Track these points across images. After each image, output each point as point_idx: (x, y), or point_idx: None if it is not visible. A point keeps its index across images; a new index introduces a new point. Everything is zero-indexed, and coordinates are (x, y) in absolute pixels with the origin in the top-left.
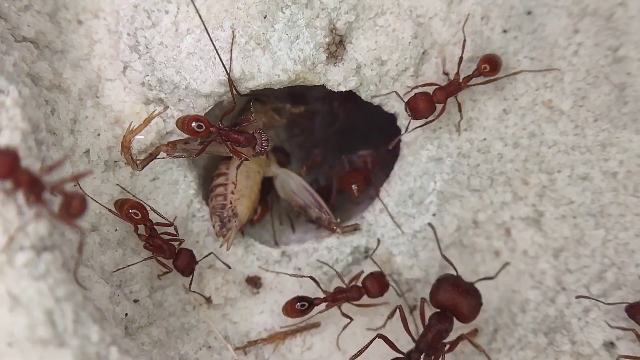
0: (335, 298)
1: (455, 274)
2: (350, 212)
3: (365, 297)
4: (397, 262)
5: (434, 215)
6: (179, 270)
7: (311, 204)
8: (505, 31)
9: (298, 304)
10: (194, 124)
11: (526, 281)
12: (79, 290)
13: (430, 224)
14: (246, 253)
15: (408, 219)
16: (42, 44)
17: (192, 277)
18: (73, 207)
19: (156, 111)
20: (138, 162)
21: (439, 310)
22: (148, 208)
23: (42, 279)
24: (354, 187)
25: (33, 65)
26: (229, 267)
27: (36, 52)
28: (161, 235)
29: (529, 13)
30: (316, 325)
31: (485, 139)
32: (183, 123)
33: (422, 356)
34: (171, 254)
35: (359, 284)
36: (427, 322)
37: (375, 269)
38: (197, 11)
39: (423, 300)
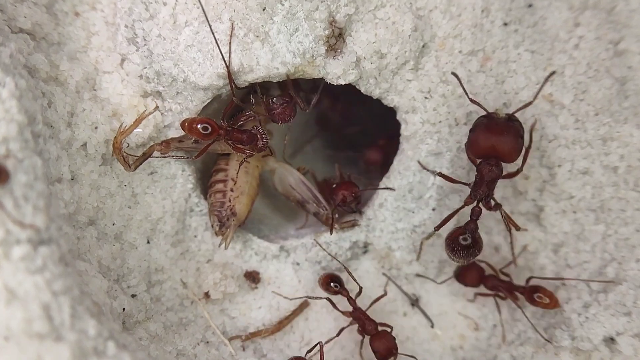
0: (357, 314)
1: (486, 114)
2: None
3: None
4: (396, 257)
5: (433, 209)
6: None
7: (309, 198)
8: (505, 24)
9: (332, 283)
10: (200, 126)
11: (526, 277)
12: (76, 285)
13: (453, 73)
14: (244, 248)
15: (407, 214)
16: (38, 35)
17: None
18: None
19: (146, 111)
20: (131, 162)
21: (482, 158)
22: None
23: (38, 272)
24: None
25: (29, 57)
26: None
27: (33, 44)
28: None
29: (529, 6)
30: (305, 304)
31: None
32: (190, 125)
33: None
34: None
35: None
36: (476, 171)
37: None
38: (199, 0)
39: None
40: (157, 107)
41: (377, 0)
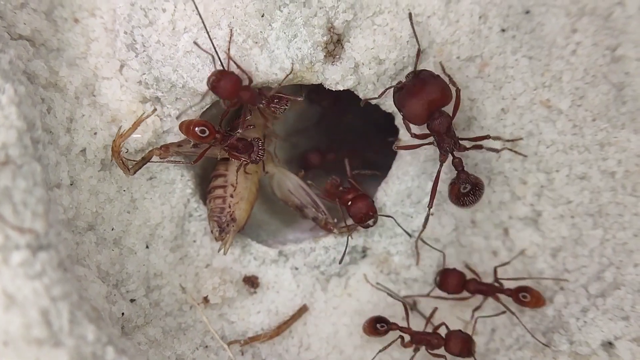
0: (420, 337)
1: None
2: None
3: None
4: (395, 261)
5: (432, 214)
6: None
7: (308, 203)
8: (503, 30)
9: (377, 324)
10: (198, 129)
11: (524, 281)
12: (75, 290)
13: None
14: (243, 253)
15: (406, 219)
16: (38, 42)
17: None
18: None
19: (144, 114)
20: (130, 166)
21: (428, 120)
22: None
23: (37, 278)
24: None
25: (29, 64)
26: None
27: (32, 50)
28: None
29: (527, 12)
30: (304, 309)
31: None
32: (187, 127)
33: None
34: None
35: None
36: (430, 132)
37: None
38: (197, 8)
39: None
40: (155, 110)
41: (375, 7)
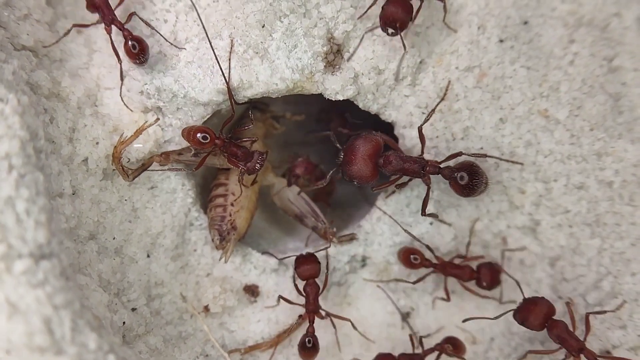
0: (445, 269)
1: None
2: (348, 220)
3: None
4: (394, 270)
5: (431, 224)
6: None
7: (308, 213)
8: (501, 41)
9: (411, 256)
10: (199, 135)
11: (522, 290)
12: (77, 298)
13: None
14: (244, 262)
15: (405, 228)
16: (41, 52)
17: None
18: None
19: (147, 123)
20: (129, 172)
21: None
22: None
23: (40, 286)
24: None
25: (32, 74)
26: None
27: (35, 61)
28: None
29: (525, 23)
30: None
31: (481, 148)
32: (189, 133)
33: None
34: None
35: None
36: (394, 174)
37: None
38: (199, 17)
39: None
40: (157, 119)
41: (374, 17)
